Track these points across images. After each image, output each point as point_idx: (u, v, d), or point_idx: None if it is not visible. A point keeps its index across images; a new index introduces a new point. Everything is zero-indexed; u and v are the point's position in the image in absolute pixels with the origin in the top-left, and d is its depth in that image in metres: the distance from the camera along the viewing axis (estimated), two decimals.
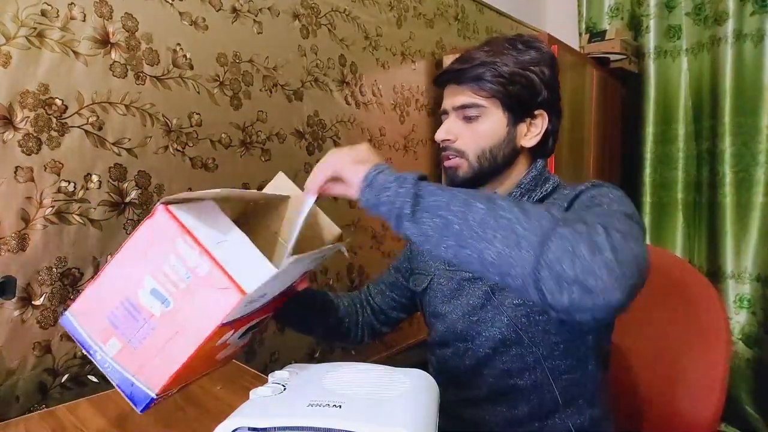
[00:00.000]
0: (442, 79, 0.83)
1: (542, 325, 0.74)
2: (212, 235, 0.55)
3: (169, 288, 0.54)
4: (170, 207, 0.54)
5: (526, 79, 0.77)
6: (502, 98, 0.77)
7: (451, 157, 0.80)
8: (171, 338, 0.54)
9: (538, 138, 0.80)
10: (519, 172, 0.81)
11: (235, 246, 0.55)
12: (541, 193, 0.79)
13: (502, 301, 0.77)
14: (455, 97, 0.80)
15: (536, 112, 0.79)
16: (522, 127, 0.79)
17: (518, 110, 0.78)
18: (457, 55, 0.83)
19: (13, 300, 0.87)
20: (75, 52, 0.93)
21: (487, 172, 0.80)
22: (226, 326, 0.55)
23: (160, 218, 0.54)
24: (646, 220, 2.11)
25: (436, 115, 1.81)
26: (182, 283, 0.53)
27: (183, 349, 0.54)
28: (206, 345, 0.54)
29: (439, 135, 0.81)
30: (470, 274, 0.82)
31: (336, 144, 1.46)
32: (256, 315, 0.64)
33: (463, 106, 0.79)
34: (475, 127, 0.78)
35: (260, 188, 1.27)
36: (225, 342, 0.60)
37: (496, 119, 0.78)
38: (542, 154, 0.83)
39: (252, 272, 0.53)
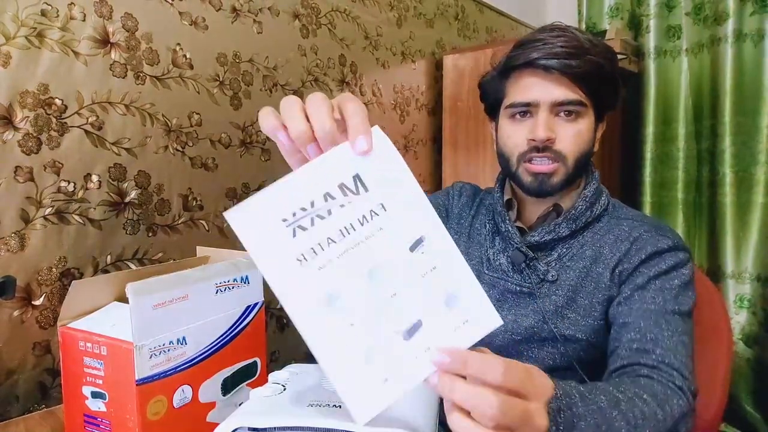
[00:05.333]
0: (538, 65, 0.70)
1: (597, 357, 0.71)
2: (103, 321, 0.64)
3: (98, 383, 0.61)
4: (67, 326, 0.65)
5: (615, 81, 0.73)
6: (596, 98, 0.71)
7: (545, 160, 0.70)
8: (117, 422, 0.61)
9: (599, 144, 0.76)
10: (579, 181, 0.77)
11: (121, 316, 0.63)
12: (600, 207, 0.75)
13: (559, 328, 0.71)
14: (555, 89, 0.69)
15: (605, 116, 0.76)
16: (597, 132, 0.75)
17: (602, 114, 0.74)
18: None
19: (13, 300, 0.86)
20: (75, 52, 0.93)
21: (574, 180, 0.73)
22: (151, 384, 0.58)
23: (63, 340, 0.65)
24: None
25: (436, 114, 1.81)
26: (100, 373, 0.61)
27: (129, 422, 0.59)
28: (153, 411, 0.59)
29: (542, 133, 0.69)
30: (516, 286, 0.75)
31: None
32: (209, 364, 0.65)
33: (567, 102, 0.69)
34: (575, 128, 0.70)
35: (260, 188, 1.27)
36: (190, 402, 0.63)
37: (591, 120, 0.72)
38: (591, 163, 0.78)
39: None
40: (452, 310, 0.41)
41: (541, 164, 0.71)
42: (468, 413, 0.37)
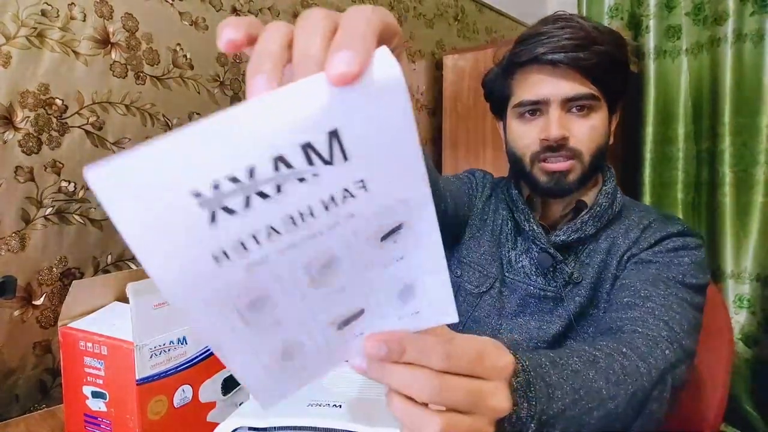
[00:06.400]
0: (544, 61, 0.66)
1: None
2: (104, 321, 0.63)
3: (98, 383, 0.60)
4: (67, 326, 0.63)
5: (626, 72, 0.70)
6: (608, 90, 0.68)
7: (560, 159, 0.67)
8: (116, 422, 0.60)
9: (614, 136, 0.73)
10: (597, 177, 0.74)
11: (121, 316, 0.62)
12: (617, 206, 0.72)
13: (586, 330, 0.68)
14: (565, 84, 0.66)
15: (618, 107, 0.73)
16: (610, 124, 0.72)
17: (614, 104, 0.71)
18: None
19: (14, 300, 0.86)
20: (75, 52, 0.93)
21: (591, 177, 0.70)
22: (152, 384, 0.58)
23: (63, 340, 0.63)
24: None
25: (436, 115, 1.81)
26: (100, 373, 0.60)
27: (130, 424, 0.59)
28: (154, 411, 0.58)
29: (556, 131, 0.65)
30: (540, 290, 0.70)
31: None
32: (210, 364, 0.65)
33: (578, 97, 0.66)
34: (589, 123, 0.67)
35: None
36: (191, 402, 0.63)
37: (604, 113, 0.69)
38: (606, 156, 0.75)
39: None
40: (404, 301, 0.32)
41: (557, 162, 0.67)
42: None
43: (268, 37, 0.27)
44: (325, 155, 0.24)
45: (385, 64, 0.24)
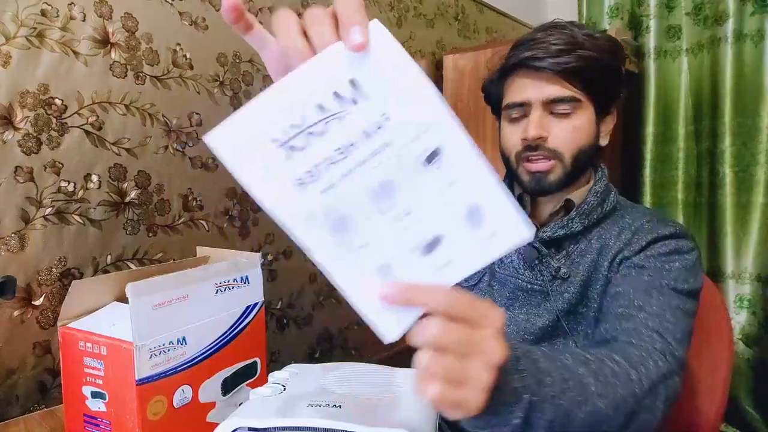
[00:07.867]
0: (529, 65, 0.70)
1: None
2: (103, 321, 0.64)
3: (98, 383, 0.61)
4: (67, 326, 0.65)
5: (617, 72, 0.72)
6: (595, 92, 0.70)
7: (540, 158, 0.70)
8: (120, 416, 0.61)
9: (609, 137, 0.75)
10: (588, 176, 0.76)
11: (121, 316, 0.63)
12: (609, 205, 0.74)
13: (575, 328, 0.70)
14: (545, 87, 0.69)
15: (612, 108, 0.74)
16: (601, 125, 0.74)
17: (604, 105, 0.73)
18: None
19: (13, 300, 0.86)
20: (75, 52, 0.93)
21: (575, 176, 0.72)
22: (151, 384, 0.58)
23: (63, 340, 0.65)
24: None
25: None
26: (100, 373, 0.61)
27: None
28: (153, 411, 0.59)
29: (533, 131, 0.69)
30: (527, 284, 0.73)
31: None
32: (209, 364, 0.65)
33: (558, 100, 0.69)
34: (570, 124, 0.69)
35: None
36: (190, 402, 0.63)
37: (589, 115, 0.71)
38: (601, 156, 0.76)
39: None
40: (475, 224, 0.37)
41: (537, 163, 0.71)
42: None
43: (285, 29, 0.35)
44: (351, 97, 0.34)
45: (377, 28, 0.34)
